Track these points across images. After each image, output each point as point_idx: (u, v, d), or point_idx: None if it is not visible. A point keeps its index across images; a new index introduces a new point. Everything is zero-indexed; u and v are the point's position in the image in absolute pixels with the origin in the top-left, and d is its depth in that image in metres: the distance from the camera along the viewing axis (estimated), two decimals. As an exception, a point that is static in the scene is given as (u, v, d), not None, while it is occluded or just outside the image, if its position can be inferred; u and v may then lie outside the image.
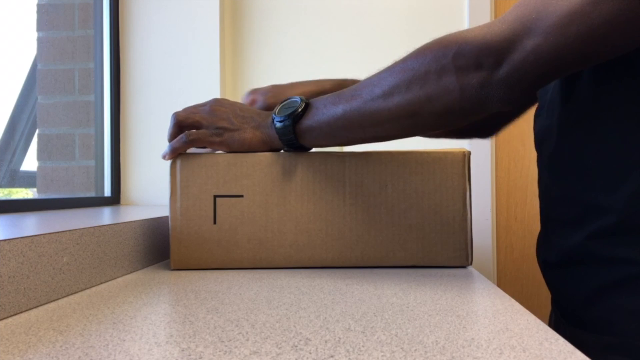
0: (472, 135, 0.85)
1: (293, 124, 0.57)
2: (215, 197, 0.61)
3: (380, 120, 0.53)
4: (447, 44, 0.49)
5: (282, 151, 0.62)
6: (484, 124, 0.80)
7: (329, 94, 0.57)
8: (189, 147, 0.60)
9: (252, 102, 0.73)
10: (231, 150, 0.60)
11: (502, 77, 0.46)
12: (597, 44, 0.44)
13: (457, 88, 0.48)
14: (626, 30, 0.43)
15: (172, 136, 0.61)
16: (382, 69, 0.54)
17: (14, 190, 1.19)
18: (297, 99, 0.58)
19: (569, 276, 0.56)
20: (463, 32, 0.49)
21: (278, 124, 0.57)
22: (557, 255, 0.58)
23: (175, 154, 0.61)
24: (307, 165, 0.61)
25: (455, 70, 0.48)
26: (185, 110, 0.62)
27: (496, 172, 1.43)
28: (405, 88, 0.50)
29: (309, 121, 0.57)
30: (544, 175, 0.61)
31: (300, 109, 0.57)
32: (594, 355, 0.52)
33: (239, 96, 1.39)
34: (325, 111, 0.56)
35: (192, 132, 0.60)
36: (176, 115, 0.61)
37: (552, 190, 0.59)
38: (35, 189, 1.22)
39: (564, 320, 0.59)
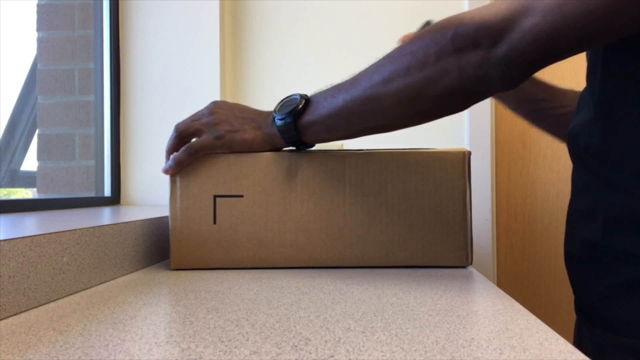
0: None
1: (294, 121, 0.56)
2: (215, 197, 0.61)
3: (381, 108, 0.52)
4: (446, 25, 0.49)
5: (284, 150, 0.62)
6: None
7: (329, 87, 0.57)
8: (193, 159, 0.60)
9: None
10: (233, 151, 0.60)
11: (500, 56, 0.46)
12: (595, 25, 0.44)
13: (456, 68, 0.48)
14: (624, 12, 0.43)
15: (172, 147, 0.61)
16: (380, 56, 0.54)
17: (14, 190, 1.19)
18: (297, 95, 0.58)
19: (589, 271, 0.56)
20: (461, 14, 0.49)
21: (279, 122, 0.57)
22: (579, 249, 0.58)
23: (180, 168, 0.60)
24: (307, 165, 0.61)
25: (454, 50, 0.48)
26: (185, 120, 0.61)
27: (496, 172, 1.42)
28: (404, 72, 0.50)
29: (310, 116, 0.56)
30: (576, 168, 0.61)
31: (300, 105, 0.56)
32: (612, 356, 0.52)
33: (239, 96, 1.39)
34: (326, 104, 0.55)
35: (194, 142, 0.59)
36: (177, 127, 0.61)
37: (579, 182, 0.59)
38: (35, 189, 1.22)
39: (584, 319, 0.59)
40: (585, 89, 0.59)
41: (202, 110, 0.62)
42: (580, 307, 0.61)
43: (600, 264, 0.54)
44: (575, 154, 0.60)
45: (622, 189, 0.51)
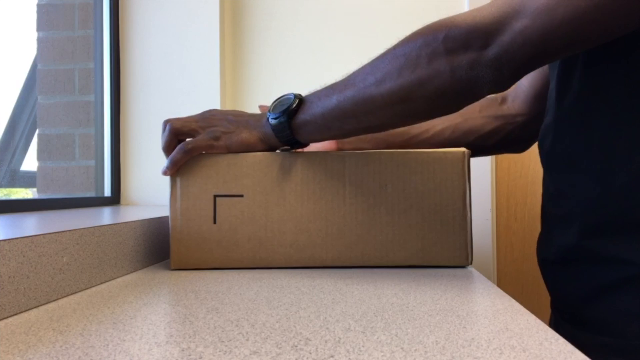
0: (506, 149, 0.79)
1: (288, 120, 0.57)
2: (215, 196, 0.61)
3: (373, 108, 0.53)
4: (437, 27, 0.49)
5: (278, 150, 0.62)
6: (518, 137, 0.76)
7: (323, 87, 0.57)
8: (188, 157, 0.60)
9: None
10: (230, 152, 0.60)
11: (490, 58, 0.47)
12: (583, 28, 0.44)
13: (447, 70, 0.48)
14: (614, 15, 0.43)
15: (167, 145, 0.61)
16: (374, 57, 0.54)
17: (14, 190, 1.19)
18: (291, 95, 0.58)
19: (568, 274, 0.56)
20: (453, 16, 0.50)
21: (273, 121, 0.58)
22: (555, 253, 0.58)
23: (177, 167, 0.60)
24: (306, 164, 0.61)
25: (445, 52, 0.48)
26: (179, 119, 0.61)
27: (496, 172, 1.42)
28: (397, 74, 0.50)
29: (303, 115, 0.57)
30: (544, 172, 0.61)
31: (294, 105, 0.57)
32: (593, 356, 0.52)
33: (239, 96, 1.39)
34: (320, 104, 0.56)
35: (189, 140, 0.60)
36: (171, 124, 0.60)
37: (550, 186, 0.59)
38: (35, 189, 1.22)
39: (562, 321, 0.59)
40: (551, 91, 0.59)
41: (195, 115, 0.62)
42: (558, 309, 0.61)
43: (578, 267, 0.54)
44: (543, 158, 0.60)
45: (596, 191, 0.51)
